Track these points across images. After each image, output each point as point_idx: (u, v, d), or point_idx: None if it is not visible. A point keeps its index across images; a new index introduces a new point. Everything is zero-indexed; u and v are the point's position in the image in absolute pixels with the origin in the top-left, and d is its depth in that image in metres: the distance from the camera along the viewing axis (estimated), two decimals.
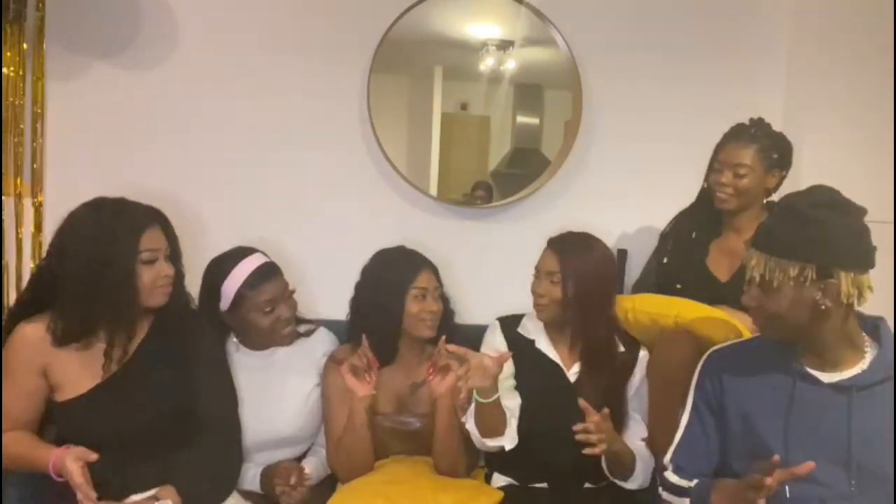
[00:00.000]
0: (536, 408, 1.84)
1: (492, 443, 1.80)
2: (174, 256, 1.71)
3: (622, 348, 1.90)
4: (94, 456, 1.53)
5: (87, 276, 1.58)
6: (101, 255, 1.58)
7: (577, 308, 1.83)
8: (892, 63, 2.34)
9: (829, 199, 1.42)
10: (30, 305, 1.66)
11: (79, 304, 1.60)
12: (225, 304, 1.85)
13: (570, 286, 1.82)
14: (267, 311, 1.84)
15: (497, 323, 1.99)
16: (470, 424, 1.81)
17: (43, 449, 1.59)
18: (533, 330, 1.94)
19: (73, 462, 1.51)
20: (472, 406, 1.81)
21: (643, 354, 1.91)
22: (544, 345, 1.91)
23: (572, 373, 1.89)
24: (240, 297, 1.83)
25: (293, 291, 1.93)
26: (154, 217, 1.68)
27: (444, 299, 2.01)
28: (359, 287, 2.00)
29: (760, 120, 2.05)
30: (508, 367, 1.90)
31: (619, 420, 1.82)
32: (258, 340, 1.92)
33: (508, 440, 1.80)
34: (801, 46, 2.49)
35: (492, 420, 1.77)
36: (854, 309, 1.45)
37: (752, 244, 1.47)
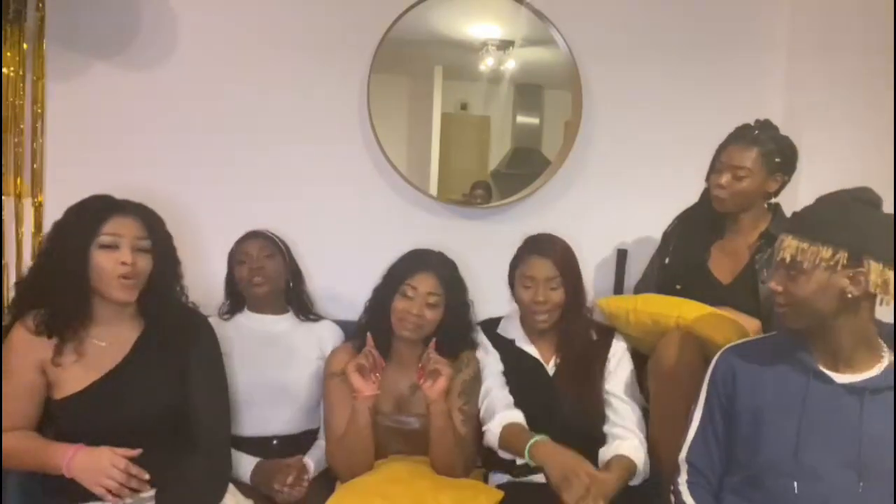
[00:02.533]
0: (522, 401, 1.88)
1: (507, 457, 1.85)
2: (158, 252, 1.68)
3: (595, 337, 1.96)
4: (134, 452, 1.56)
5: (46, 262, 1.62)
6: (58, 240, 1.61)
7: (573, 308, 1.90)
8: (893, 62, 2.34)
9: (871, 197, 1.47)
10: (26, 303, 1.66)
11: (45, 293, 1.61)
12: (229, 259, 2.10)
13: (569, 285, 1.88)
14: (241, 260, 2.05)
15: (478, 328, 2.03)
16: (490, 436, 1.84)
17: (53, 447, 1.58)
18: (510, 330, 2.00)
19: (112, 456, 1.55)
20: (497, 418, 1.84)
21: (616, 342, 1.96)
22: (523, 343, 1.97)
23: (551, 366, 1.93)
24: (232, 252, 2.09)
25: (270, 256, 2.05)
26: (132, 209, 1.66)
27: (460, 308, 1.98)
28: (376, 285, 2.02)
29: (767, 122, 2.02)
30: (497, 363, 1.95)
31: (597, 405, 1.87)
32: (251, 299, 2.08)
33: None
34: (802, 46, 2.49)
35: (520, 451, 1.79)
36: (874, 309, 1.46)
37: (784, 229, 1.49)
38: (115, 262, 1.60)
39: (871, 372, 1.47)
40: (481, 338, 2.01)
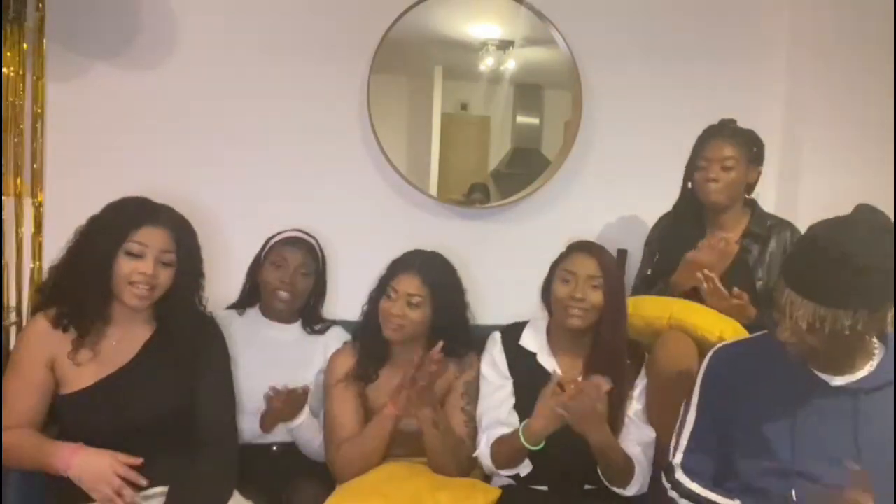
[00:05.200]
0: None
1: (507, 472, 1.81)
2: (182, 266, 1.69)
3: (628, 361, 1.86)
4: (138, 461, 1.57)
5: (75, 257, 1.64)
6: (89, 237, 1.63)
7: (611, 316, 1.80)
8: (892, 63, 2.34)
9: (877, 231, 1.35)
10: (52, 295, 1.67)
11: (70, 287, 1.63)
12: (266, 249, 2.08)
13: (611, 291, 1.80)
14: (278, 265, 2.02)
15: (498, 336, 1.95)
16: (483, 458, 1.81)
17: (54, 446, 1.58)
18: (534, 342, 1.91)
19: (113, 462, 1.55)
20: (484, 438, 1.81)
21: (643, 370, 1.88)
22: (545, 358, 1.87)
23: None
24: (272, 248, 2.06)
25: (306, 274, 2.04)
26: (166, 220, 1.67)
27: (450, 309, 1.97)
28: None
29: (731, 119, 2.09)
30: (509, 388, 1.88)
31: (616, 425, 1.79)
32: (267, 303, 2.06)
33: (524, 467, 1.81)
34: (802, 47, 2.49)
35: (519, 457, 1.77)
36: None
37: (794, 288, 1.36)
38: (134, 270, 1.62)
39: (864, 371, 1.45)
40: (495, 351, 1.92)
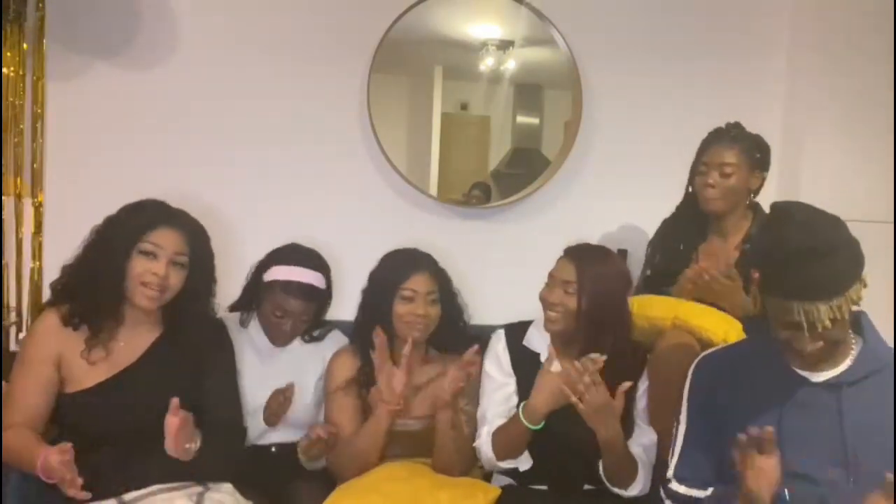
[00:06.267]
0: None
1: (507, 464, 1.81)
2: (194, 268, 1.69)
3: (627, 364, 1.83)
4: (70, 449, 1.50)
5: (91, 255, 1.65)
6: (105, 236, 1.65)
7: (590, 321, 1.77)
8: (892, 63, 2.34)
9: (829, 221, 1.41)
10: (65, 291, 1.68)
11: (83, 285, 1.64)
12: (266, 279, 1.95)
13: (585, 297, 1.76)
14: (277, 315, 1.93)
15: (502, 334, 1.94)
16: (484, 448, 1.81)
17: (38, 448, 1.56)
18: (539, 342, 1.89)
19: (55, 454, 1.48)
20: (485, 430, 1.81)
21: (645, 372, 1.87)
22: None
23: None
24: (271, 285, 1.93)
25: (307, 321, 1.97)
26: (181, 223, 1.68)
27: (452, 306, 1.99)
28: (364, 289, 2.01)
29: (738, 123, 2.07)
30: (511, 387, 1.88)
31: (624, 428, 1.77)
32: (266, 324, 2.00)
33: (524, 461, 1.80)
34: (802, 47, 2.49)
35: (519, 443, 1.77)
36: None
37: (805, 298, 1.37)
38: (147, 270, 1.63)
39: (844, 365, 1.46)
40: (499, 349, 1.91)
